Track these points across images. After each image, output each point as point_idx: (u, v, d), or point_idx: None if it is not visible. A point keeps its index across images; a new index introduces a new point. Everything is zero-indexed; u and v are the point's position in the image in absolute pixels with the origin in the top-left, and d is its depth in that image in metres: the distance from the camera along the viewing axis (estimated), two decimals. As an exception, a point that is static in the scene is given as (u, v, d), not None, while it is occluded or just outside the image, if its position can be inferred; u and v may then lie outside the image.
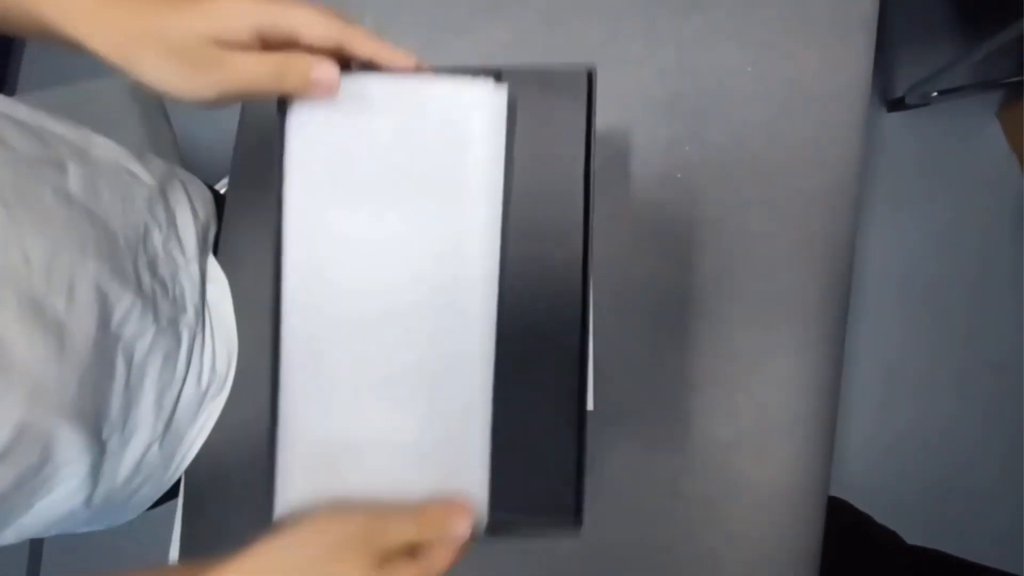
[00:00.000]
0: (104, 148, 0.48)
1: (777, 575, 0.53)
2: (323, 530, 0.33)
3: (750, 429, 0.54)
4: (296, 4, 0.33)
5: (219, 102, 0.33)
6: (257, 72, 0.33)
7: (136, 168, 0.50)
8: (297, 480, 0.36)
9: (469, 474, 0.35)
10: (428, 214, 0.36)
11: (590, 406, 0.42)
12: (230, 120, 0.61)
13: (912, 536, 0.72)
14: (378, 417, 0.37)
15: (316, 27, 0.33)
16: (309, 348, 0.36)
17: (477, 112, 0.35)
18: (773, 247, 0.55)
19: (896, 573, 0.66)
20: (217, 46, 0.32)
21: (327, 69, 0.34)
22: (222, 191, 0.64)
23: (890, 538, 0.73)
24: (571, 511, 0.33)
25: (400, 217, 0.36)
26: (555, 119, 0.34)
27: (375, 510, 0.35)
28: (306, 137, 0.35)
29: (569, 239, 0.34)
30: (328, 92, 0.34)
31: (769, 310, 0.54)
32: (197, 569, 0.32)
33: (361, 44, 0.34)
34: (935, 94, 1.31)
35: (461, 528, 0.33)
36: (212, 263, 0.57)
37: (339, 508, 0.35)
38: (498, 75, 0.35)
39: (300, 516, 0.34)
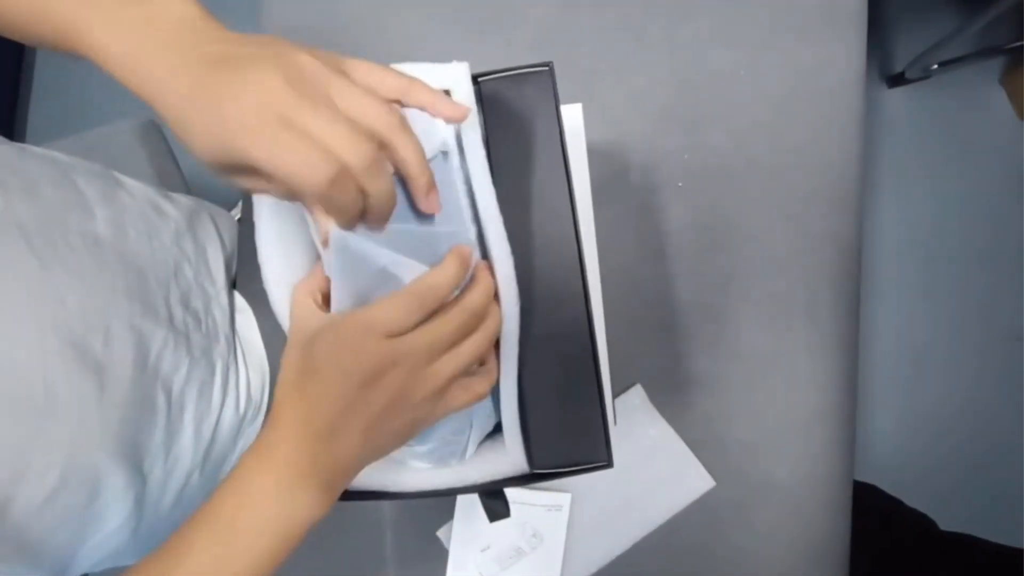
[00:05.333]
0: (131, 188, 0.49)
1: (808, 569, 0.54)
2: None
3: (772, 428, 0.54)
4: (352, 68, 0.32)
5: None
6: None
7: (162, 204, 0.51)
8: None
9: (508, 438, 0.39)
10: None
11: (613, 422, 0.42)
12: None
13: (940, 513, 0.72)
14: None
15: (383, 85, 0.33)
16: None
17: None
18: (779, 247, 0.55)
19: (928, 560, 0.66)
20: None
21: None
22: (236, 218, 0.65)
23: (921, 524, 0.72)
24: (604, 458, 0.38)
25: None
26: (528, 109, 0.40)
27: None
28: None
29: (557, 207, 0.39)
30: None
31: (781, 310, 0.55)
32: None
33: (419, 95, 0.35)
34: (936, 66, 1.29)
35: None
36: (236, 292, 0.58)
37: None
38: (475, 79, 0.40)
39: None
